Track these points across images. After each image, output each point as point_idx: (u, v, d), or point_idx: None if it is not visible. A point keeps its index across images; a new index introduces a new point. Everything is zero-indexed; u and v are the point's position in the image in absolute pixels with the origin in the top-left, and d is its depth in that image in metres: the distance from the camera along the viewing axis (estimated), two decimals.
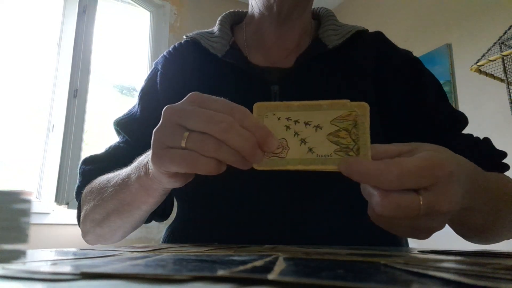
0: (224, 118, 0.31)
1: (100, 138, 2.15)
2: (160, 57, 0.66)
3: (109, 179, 0.50)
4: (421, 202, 0.28)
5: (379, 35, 0.63)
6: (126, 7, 2.32)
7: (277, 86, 0.56)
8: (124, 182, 0.45)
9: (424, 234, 0.32)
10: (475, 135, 0.59)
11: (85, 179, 0.58)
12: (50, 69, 1.94)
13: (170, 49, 0.65)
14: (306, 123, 0.32)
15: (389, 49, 0.61)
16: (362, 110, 0.31)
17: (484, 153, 0.54)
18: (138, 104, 0.63)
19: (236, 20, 0.68)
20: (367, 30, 0.63)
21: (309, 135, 0.31)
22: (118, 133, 0.64)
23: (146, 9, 2.37)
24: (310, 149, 0.31)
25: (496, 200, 0.43)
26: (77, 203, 0.59)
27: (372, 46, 0.60)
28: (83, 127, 1.84)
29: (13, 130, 1.84)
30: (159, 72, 0.63)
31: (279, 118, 0.32)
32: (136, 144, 0.59)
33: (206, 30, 0.65)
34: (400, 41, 2.26)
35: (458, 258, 0.26)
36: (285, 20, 0.60)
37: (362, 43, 0.60)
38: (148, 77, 0.65)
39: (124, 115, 0.64)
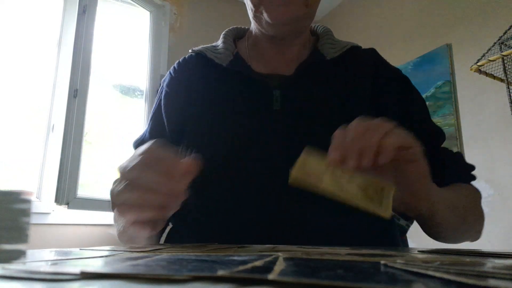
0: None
1: (100, 138, 2.15)
2: (166, 74, 0.70)
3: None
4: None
5: (373, 52, 0.68)
6: (126, 7, 2.32)
7: (279, 91, 0.59)
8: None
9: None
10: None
11: None
12: (50, 69, 1.94)
13: (175, 65, 0.69)
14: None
15: (383, 65, 0.66)
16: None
17: (458, 164, 0.62)
18: (148, 125, 0.68)
19: (239, 35, 0.71)
20: (361, 46, 0.68)
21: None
22: None
23: (146, 9, 2.37)
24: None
25: (449, 198, 0.52)
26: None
27: (367, 60, 0.65)
28: (83, 127, 1.84)
29: (13, 130, 1.84)
30: (164, 91, 0.67)
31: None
32: None
33: (211, 44, 0.69)
34: (400, 41, 2.27)
35: (458, 258, 0.26)
36: (282, 41, 0.64)
37: (357, 57, 0.65)
38: (157, 96, 0.69)
39: (140, 136, 0.69)
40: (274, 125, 0.57)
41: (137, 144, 0.68)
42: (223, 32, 0.69)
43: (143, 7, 2.36)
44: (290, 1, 0.57)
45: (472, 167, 0.62)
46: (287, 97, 0.58)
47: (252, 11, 0.61)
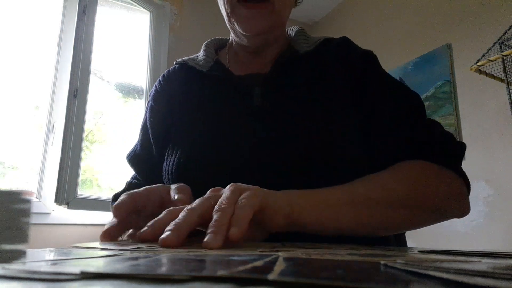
0: None
1: (100, 138, 2.15)
2: (153, 88, 0.72)
3: None
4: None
5: (343, 40, 0.67)
6: (126, 7, 2.32)
7: (258, 88, 0.61)
8: None
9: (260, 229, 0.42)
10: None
11: None
12: (50, 69, 1.94)
13: (160, 79, 0.72)
14: None
15: (352, 51, 0.65)
16: None
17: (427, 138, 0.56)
18: (138, 138, 0.71)
19: (221, 46, 0.74)
20: (334, 38, 0.68)
21: None
22: (130, 166, 0.72)
23: (146, 9, 2.37)
24: None
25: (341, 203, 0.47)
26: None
27: (338, 50, 0.65)
28: (83, 127, 1.84)
29: (13, 130, 1.84)
30: (149, 104, 0.70)
31: None
32: (144, 178, 0.68)
33: (193, 55, 0.72)
34: (400, 41, 2.27)
35: (458, 258, 0.26)
36: (257, 51, 0.67)
37: (329, 48, 0.65)
38: (145, 110, 0.72)
39: (132, 149, 0.72)
40: (256, 122, 0.58)
41: (131, 158, 0.70)
42: (204, 43, 0.72)
43: (143, 7, 2.36)
44: (256, 14, 0.59)
45: (448, 138, 0.56)
46: (266, 92, 0.60)
47: (227, 21, 0.64)
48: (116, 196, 0.66)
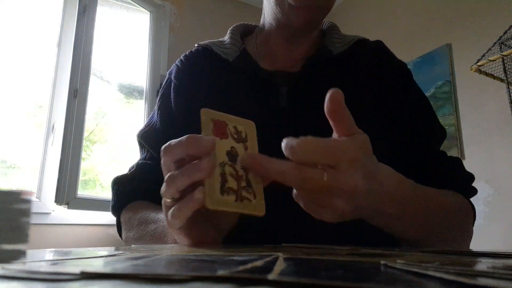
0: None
1: (100, 138, 2.15)
2: (173, 66, 0.68)
3: (145, 224, 0.54)
4: (324, 177, 0.33)
5: (379, 44, 0.66)
6: (126, 7, 2.32)
7: (286, 88, 0.58)
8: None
9: (330, 214, 0.37)
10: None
11: (120, 200, 0.62)
12: (50, 69, 1.94)
13: (182, 58, 0.68)
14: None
15: (387, 57, 0.64)
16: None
17: (453, 171, 0.58)
18: (157, 114, 0.66)
19: (247, 32, 0.70)
20: (368, 39, 0.66)
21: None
22: (142, 145, 0.67)
23: (146, 9, 2.37)
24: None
25: (430, 214, 0.46)
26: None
27: (373, 54, 0.63)
28: (83, 127, 1.84)
29: (13, 130, 1.84)
30: (172, 83, 0.66)
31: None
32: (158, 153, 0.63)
33: (217, 39, 0.67)
34: (400, 41, 2.27)
35: (458, 258, 0.26)
36: (294, 36, 0.62)
37: (364, 51, 0.63)
38: (163, 86, 0.68)
39: (145, 126, 0.67)
40: (281, 123, 0.56)
41: (146, 134, 0.66)
42: (230, 28, 0.68)
43: (143, 7, 2.36)
44: None
45: (471, 177, 0.58)
46: (294, 94, 0.58)
47: None
48: (118, 179, 0.63)
